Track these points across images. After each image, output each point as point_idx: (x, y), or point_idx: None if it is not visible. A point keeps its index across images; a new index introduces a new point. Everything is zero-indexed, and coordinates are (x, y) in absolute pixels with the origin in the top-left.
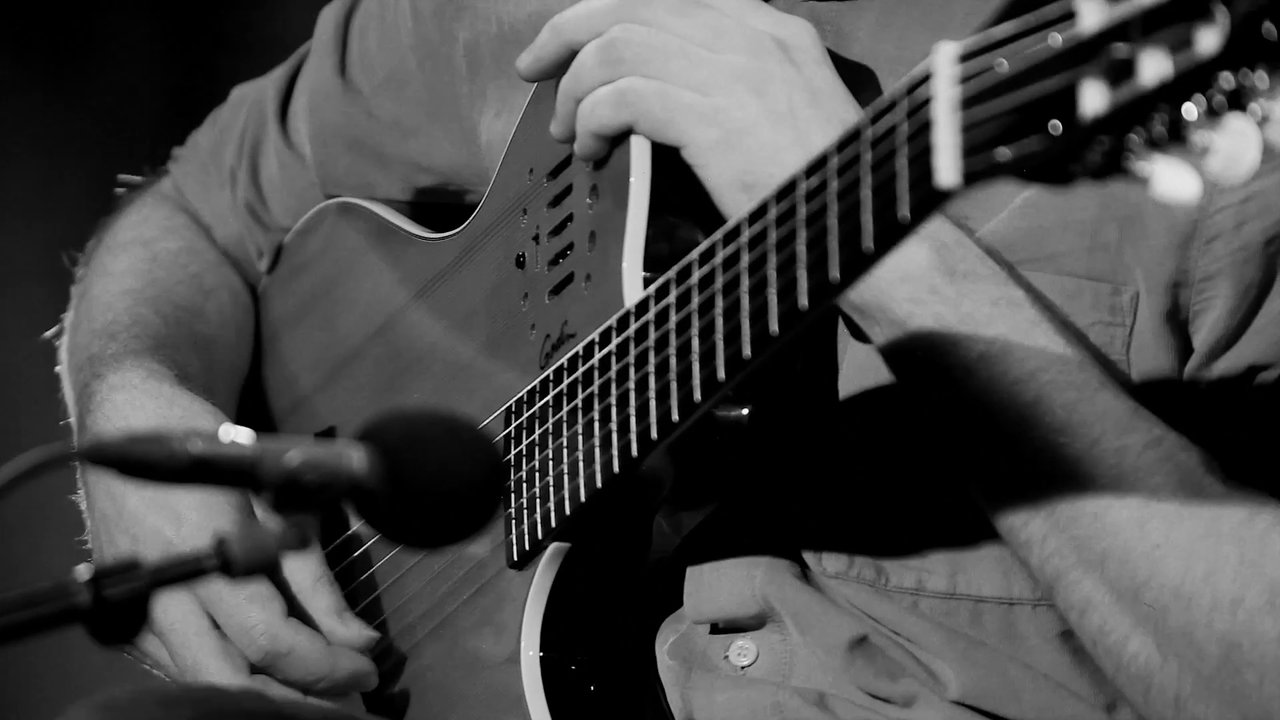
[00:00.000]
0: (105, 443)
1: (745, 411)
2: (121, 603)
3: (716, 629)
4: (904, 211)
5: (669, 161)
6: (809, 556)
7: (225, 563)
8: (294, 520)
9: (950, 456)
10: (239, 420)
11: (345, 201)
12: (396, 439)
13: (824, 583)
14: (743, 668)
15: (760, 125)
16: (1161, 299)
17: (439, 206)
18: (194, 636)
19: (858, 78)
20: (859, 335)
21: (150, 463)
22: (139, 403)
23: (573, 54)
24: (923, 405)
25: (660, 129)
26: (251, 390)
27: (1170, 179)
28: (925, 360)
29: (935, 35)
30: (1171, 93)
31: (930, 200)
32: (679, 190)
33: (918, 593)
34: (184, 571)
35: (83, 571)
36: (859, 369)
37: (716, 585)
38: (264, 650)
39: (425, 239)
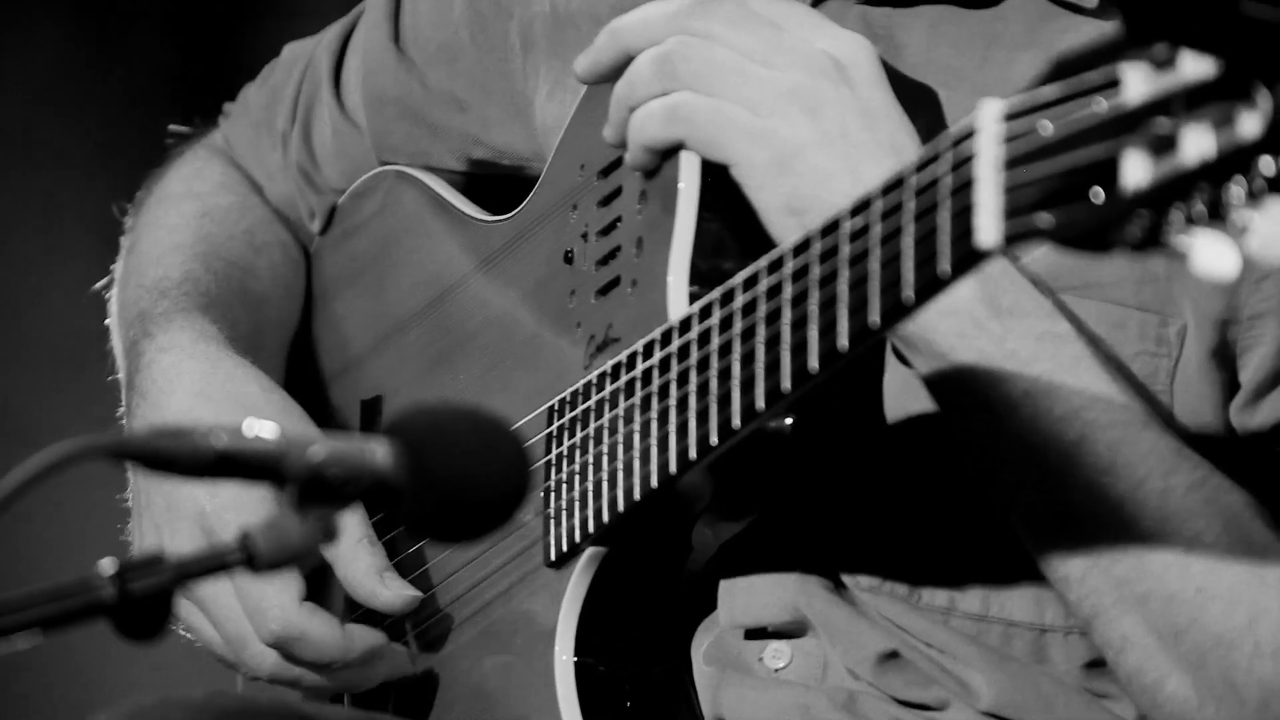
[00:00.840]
0: (129, 438)
1: (788, 422)
2: (146, 597)
3: (753, 634)
4: (944, 266)
5: (718, 176)
6: (842, 572)
7: (250, 557)
8: (318, 515)
9: (990, 488)
10: (288, 377)
11: (402, 170)
12: (422, 435)
13: (856, 595)
14: (776, 670)
15: (811, 149)
16: (1209, 333)
17: (493, 178)
18: (238, 609)
19: (912, 91)
20: (903, 359)
21: (174, 458)
22: (185, 366)
23: (629, 59)
24: (964, 438)
25: (711, 147)
26: (301, 347)
27: (1208, 256)
28: (968, 395)
29: (988, 46)
30: (1213, 172)
31: (970, 259)
32: (726, 205)
33: (949, 611)
34: (208, 566)
35: (107, 566)
36: (900, 391)
37: (749, 596)
38: (274, 633)
39: (478, 220)
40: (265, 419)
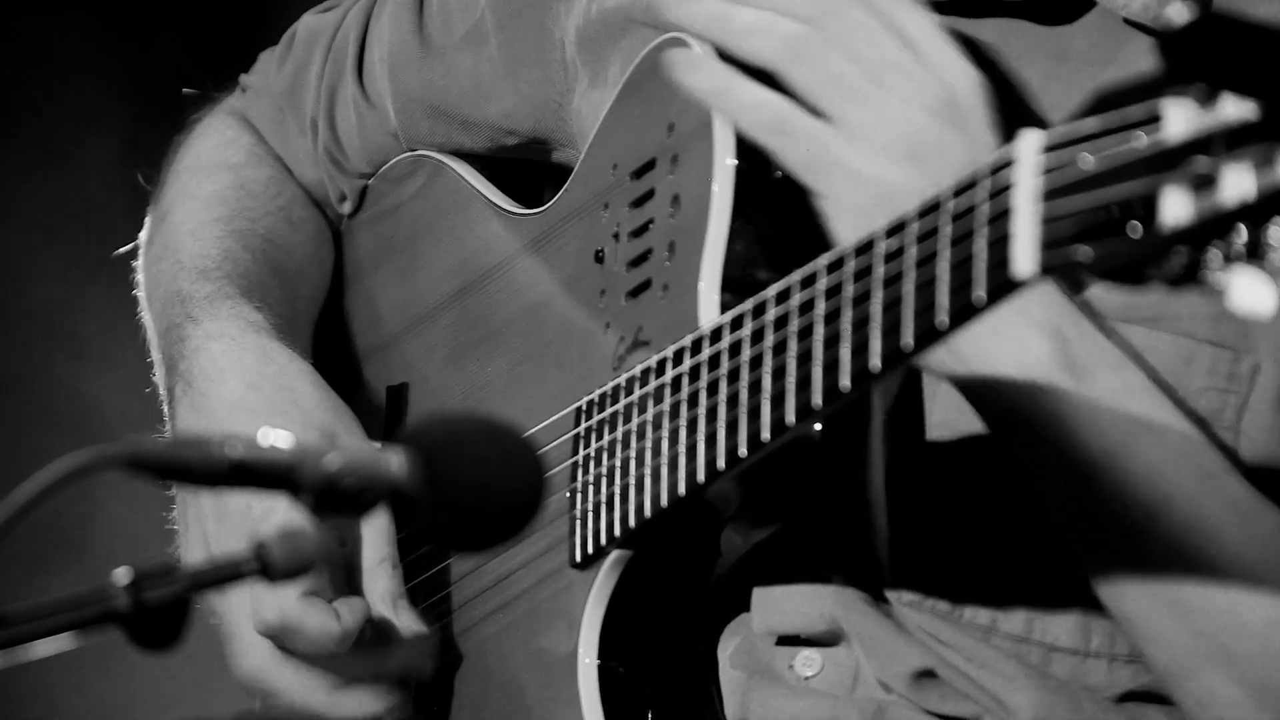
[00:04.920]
0: (144, 448)
1: (816, 428)
2: (160, 607)
3: (784, 640)
4: (980, 293)
5: (753, 183)
6: (884, 585)
7: (264, 566)
8: (334, 524)
9: (1071, 542)
10: (320, 353)
11: (434, 156)
12: (438, 444)
13: (897, 609)
14: (806, 678)
15: (908, 198)
16: None
17: (519, 165)
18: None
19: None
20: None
21: (189, 468)
22: (236, 356)
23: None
24: (1042, 494)
25: (804, 171)
26: (328, 325)
27: (1246, 294)
28: (1044, 456)
29: (1055, 62)
30: (1253, 213)
31: (1006, 287)
32: (760, 212)
33: (990, 631)
34: (223, 575)
35: (122, 575)
36: (950, 407)
37: (786, 603)
38: (268, 623)
39: (508, 212)
40: (315, 414)
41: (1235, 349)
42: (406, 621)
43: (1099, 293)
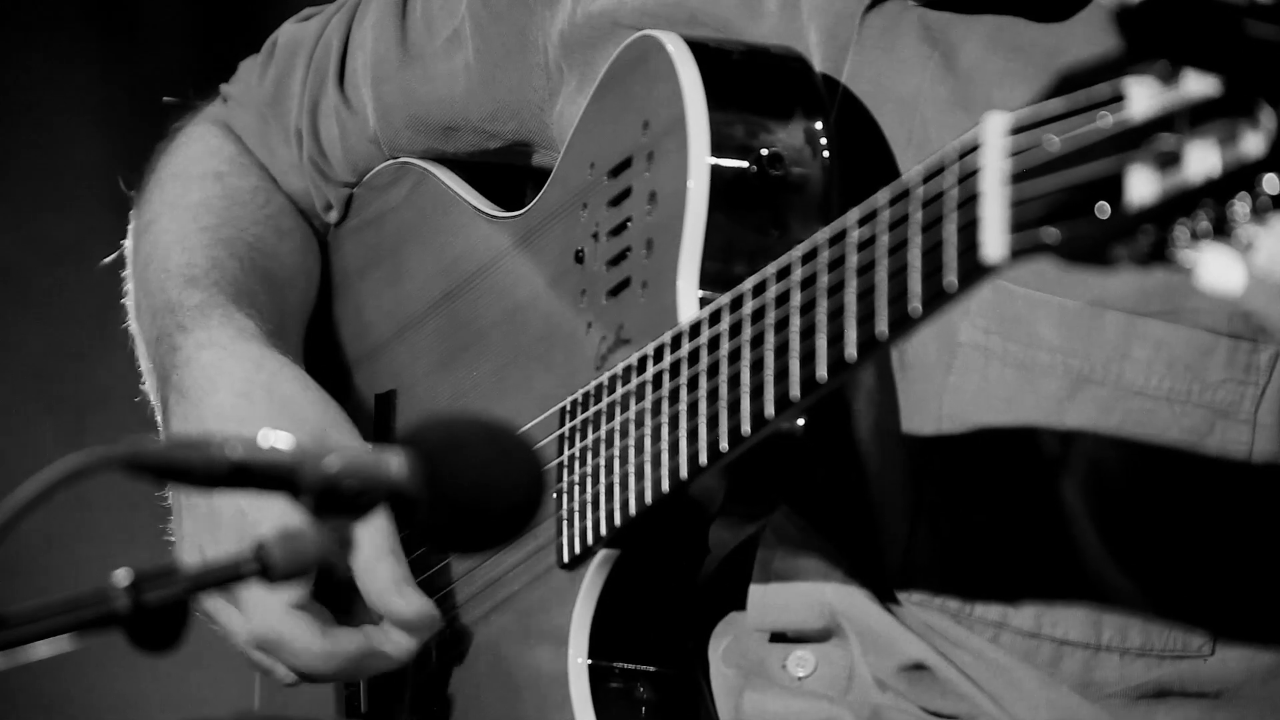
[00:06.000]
0: (144, 450)
1: (800, 423)
2: (160, 608)
3: (777, 637)
4: (951, 279)
5: (727, 178)
6: (893, 584)
7: (265, 568)
8: (334, 525)
9: None
10: (309, 363)
11: (417, 164)
12: (438, 445)
13: (906, 607)
14: (800, 678)
15: None
16: None
17: (500, 169)
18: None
19: (963, 92)
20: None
21: (189, 469)
22: (226, 365)
23: None
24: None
25: None
26: (316, 335)
27: (1214, 271)
28: None
29: (1051, 55)
30: (1218, 189)
31: (977, 272)
32: (736, 207)
33: (1001, 626)
34: (223, 576)
35: (122, 576)
36: (963, 401)
37: (784, 598)
38: (253, 633)
39: (489, 215)
40: (307, 420)
41: (1255, 339)
42: (416, 603)
43: (1114, 285)
